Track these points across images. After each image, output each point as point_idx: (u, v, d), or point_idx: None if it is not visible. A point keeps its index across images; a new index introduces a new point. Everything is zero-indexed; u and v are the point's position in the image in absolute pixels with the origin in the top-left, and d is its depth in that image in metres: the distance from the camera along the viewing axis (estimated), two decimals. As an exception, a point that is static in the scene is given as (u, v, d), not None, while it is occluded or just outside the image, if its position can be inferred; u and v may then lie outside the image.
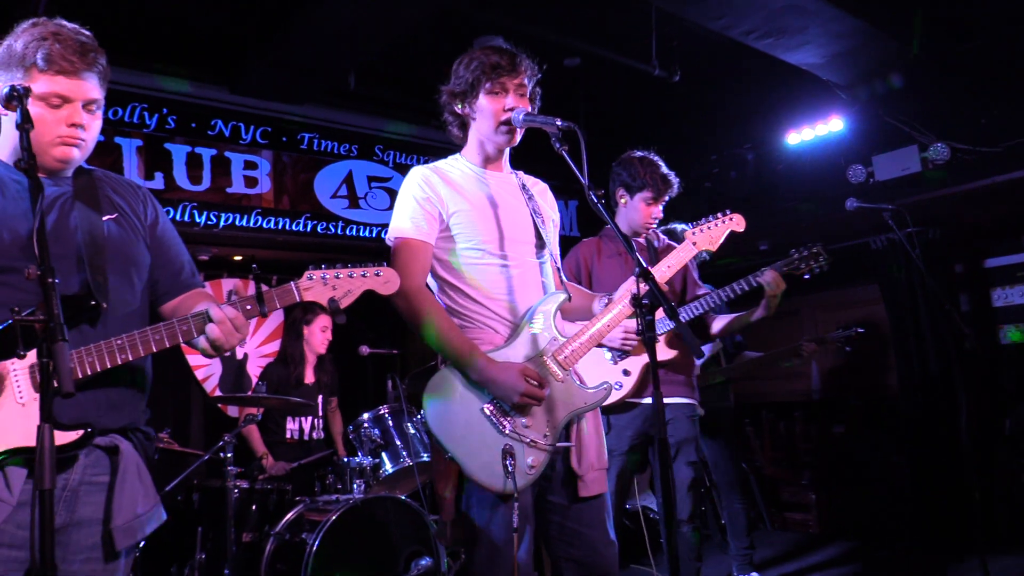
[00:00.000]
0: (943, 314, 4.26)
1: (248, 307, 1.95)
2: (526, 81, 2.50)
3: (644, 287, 2.19)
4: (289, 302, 2.00)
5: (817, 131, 5.99)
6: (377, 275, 2.06)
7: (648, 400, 3.59)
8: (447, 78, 2.59)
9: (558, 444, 2.37)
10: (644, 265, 2.16)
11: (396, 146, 6.33)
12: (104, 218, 2.02)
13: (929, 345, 6.28)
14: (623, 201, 3.72)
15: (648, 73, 5.31)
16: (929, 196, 5.60)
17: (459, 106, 2.52)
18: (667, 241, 3.88)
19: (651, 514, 5.82)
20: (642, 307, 2.13)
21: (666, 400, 3.59)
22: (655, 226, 3.76)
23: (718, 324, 3.85)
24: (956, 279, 6.64)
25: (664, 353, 3.60)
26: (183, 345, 1.99)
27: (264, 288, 1.98)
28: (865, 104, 5.60)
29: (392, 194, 6.16)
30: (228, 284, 6.14)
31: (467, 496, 2.32)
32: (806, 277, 3.66)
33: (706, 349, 4.44)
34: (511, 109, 2.43)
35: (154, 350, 1.88)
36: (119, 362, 1.85)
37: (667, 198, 3.69)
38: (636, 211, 3.67)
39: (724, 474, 4.64)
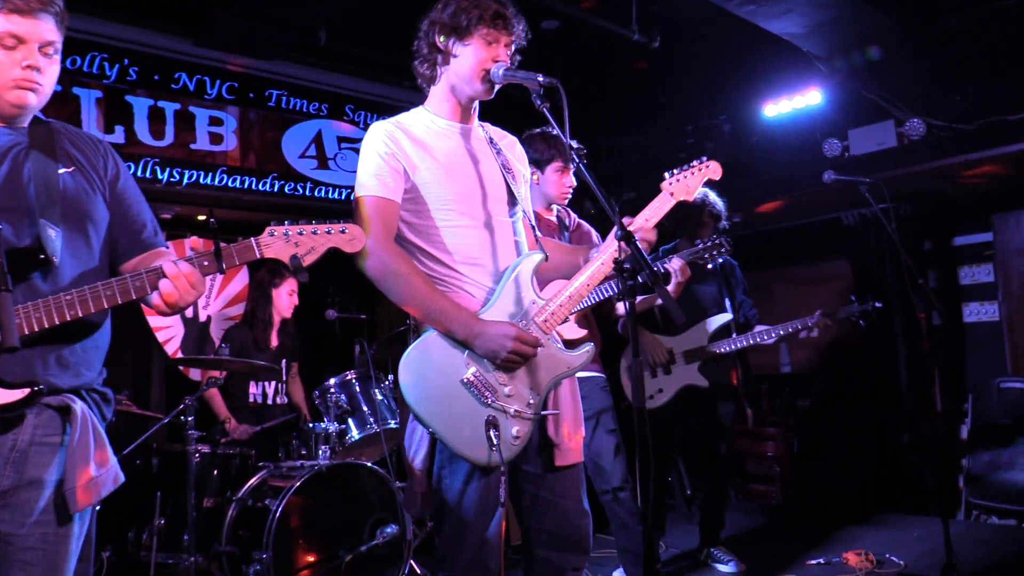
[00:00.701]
0: (916, 290, 4.23)
1: (205, 263, 1.88)
2: (514, 44, 2.40)
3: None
4: (249, 259, 1.93)
5: (794, 103, 5.93)
6: (342, 232, 1.99)
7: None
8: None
9: (542, 412, 2.30)
10: (626, 228, 2.08)
11: (368, 106, 6.17)
12: (60, 171, 1.94)
13: (897, 321, 6.33)
14: (535, 178, 3.71)
15: (627, 38, 5.22)
16: (903, 172, 5.59)
17: (442, 39, 2.36)
18: (578, 220, 3.88)
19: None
20: (624, 271, 2.05)
21: (580, 374, 3.63)
22: (569, 197, 3.76)
23: (623, 307, 3.92)
24: (925, 256, 6.69)
25: (574, 331, 3.62)
26: (144, 306, 1.92)
27: (223, 244, 1.89)
28: (843, 77, 5.55)
29: (363, 156, 6.01)
30: (191, 243, 5.97)
31: (439, 467, 2.25)
32: (709, 266, 3.87)
33: (717, 320, 4.45)
34: (498, 62, 2.32)
35: (105, 306, 1.81)
36: (68, 318, 1.77)
37: (574, 166, 3.70)
38: (550, 183, 3.69)
39: (717, 453, 4.63)
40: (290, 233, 1.95)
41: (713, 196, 4.52)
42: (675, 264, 3.70)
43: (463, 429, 2.17)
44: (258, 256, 1.93)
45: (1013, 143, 5.08)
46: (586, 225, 3.88)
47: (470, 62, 2.32)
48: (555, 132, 3.69)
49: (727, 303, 4.64)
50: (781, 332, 4.42)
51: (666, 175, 2.55)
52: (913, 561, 4.42)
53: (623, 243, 2.05)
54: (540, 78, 2.22)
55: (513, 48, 2.40)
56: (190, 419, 3.83)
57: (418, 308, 2.23)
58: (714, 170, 2.59)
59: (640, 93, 6.53)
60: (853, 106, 5.68)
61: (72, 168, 1.98)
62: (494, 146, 2.50)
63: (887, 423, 6.42)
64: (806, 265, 7.28)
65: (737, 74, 6.10)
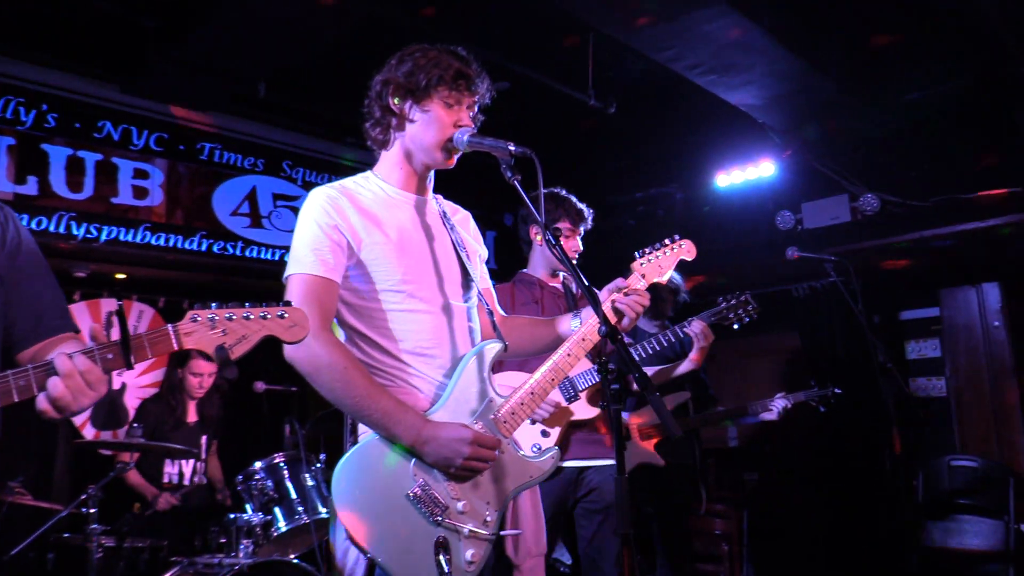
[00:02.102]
0: (881, 369, 4.11)
1: (109, 357, 1.53)
2: (477, 103, 2.13)
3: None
4: (165, 351, 1.59)
5: (747, 174, 5.85)
6: (281, 317, 1.66)
7: (570, 463, 3.26)
8: (366, 91, 2.18)
9: (501, 532, 1.98)
10: (610, 322, 1.81)
11: (306, 163, 5.84)
12: None
13: (849, 394, 6.19)
14: (538, 239, 3.45)
15: (582, 103, 5.05)
16: (856, 247, 5.52)
17: (396, 101, 2.08)
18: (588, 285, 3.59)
19: (561, 567, 5.50)
20: (608, 372, 1.78)
21: (593, 463, 3.31)
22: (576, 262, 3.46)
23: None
24: (873, 330, 6.61)
25: (585, 411, 3.30)
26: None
27: (134, 333, 1.55)
28: (797, 150, 5.48)
29: (300, 215, 5.67)
30: (108, 305, 5.50)
31: None
32: (735, 327, 3.52)
33: (674, 398, 4.20)
34: (461, 127, 2.05)
35: (-27, 412, 1.44)
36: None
37: (583, 230, 3.45)
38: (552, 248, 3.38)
39: (673, 537, 4.32)
40: (216, 318, 1.61)
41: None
42: (696, 327, 3.41)
43: (408, 554, 1.83)
44: (176, 347, 1.59)
45: (966, 222, 5.06)
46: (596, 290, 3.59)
47: (432, 129, 2.05)
48: (565, 193, 3.46)
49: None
50: (736, 410, 4.23)
51: (636, 255, 2.34)
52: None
53: (608, 339, 1.79)
54: (511, 147, 1.96)
55: (476, 109, 2.14)
56: (93, 511, 3.37)
57: (356, 408, 1.90)
58: (687, 250, 2.40)
59: (590, 159, 6.37)
60: (807, 179, 5.62)
61: None
62: (447, 221, 2.22)
63: (838, 498, 6.25)
64: (755, 336, 7.13)
65: (690, 143, 6.00)
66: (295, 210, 5.68)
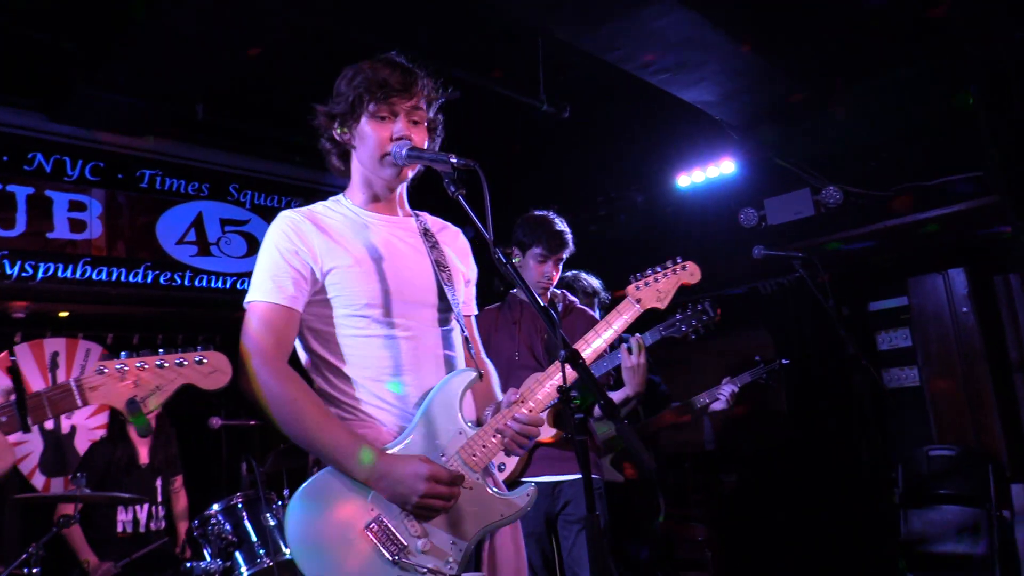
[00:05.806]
0: (857, 366, 4.03)
1: (3, 420, 1.35)
2: (423, 104, 1.98)
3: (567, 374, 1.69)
4: (68, 408, 1.44)
5: (708, 173, 5.75)
6: (199, 363, 1.52)
7: (544, 478, 3.20)
8: (313, 106, 2.06)
9: (465, 574, 1.81)
10: (571, 346, 1.66)
11: (254, 185, 5.62)
12: None
13: (821, 388, 6.13)
14: (516, 261, 3.37)
15: (535, 108, 4.91)
16: (822, 240, 5.45)
17: (338, 130, 2.00)
18: (571, 303, 3.46)
19: None
20: (570, 401, 1.63)
21: (565, 477, 3.23)
22: (552, 286, 3.38)
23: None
24: (844, 322, 6.56)
25: (547, 433, 3.18)
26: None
27: (31, 392, 1.38)
28: (757, 146, 5.40)
29: (250, 239, 5.45)
30: (52, 344, 5.24)
31: None
32: (692, 337, 3.22)
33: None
34: (399, 138, 1.91)
35: None
36: None
37: (563, 256, 3.37)
38: (528, 270, 3.34)
39: (638, 561, 4.18)
40: (127, 368, 1.47)
41: (584, 275, 4.12)
42: (632, 343, 3.07)
43: None
44: (80, 404, 1.44)
45: (930, 209, 5.00)
46: (581, 306, 3.47)
47: (368, 148, 1.96)
48: (551, 216, 3.38)
49: None
50: (685, 406, 4.10)
51: (631, 279, 2.19)
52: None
53: (568, 365, 1.63)
54: (453, 159, 1.82)
55: (426, 110, 1.99)
56: (36, 571, 3.14)
57: (308, 442, 1.78)
58: (691, 272, 2.22)
59: (547, 166, 6.23)
60: (768, 175, 5.55)
61: None
62: (428, 240, 2.06)
63: (818, 496, 6.16)
64: (725, 336, 7.04)
65: (649, 144, 5.90)
66: (245, 235, 5.46)
